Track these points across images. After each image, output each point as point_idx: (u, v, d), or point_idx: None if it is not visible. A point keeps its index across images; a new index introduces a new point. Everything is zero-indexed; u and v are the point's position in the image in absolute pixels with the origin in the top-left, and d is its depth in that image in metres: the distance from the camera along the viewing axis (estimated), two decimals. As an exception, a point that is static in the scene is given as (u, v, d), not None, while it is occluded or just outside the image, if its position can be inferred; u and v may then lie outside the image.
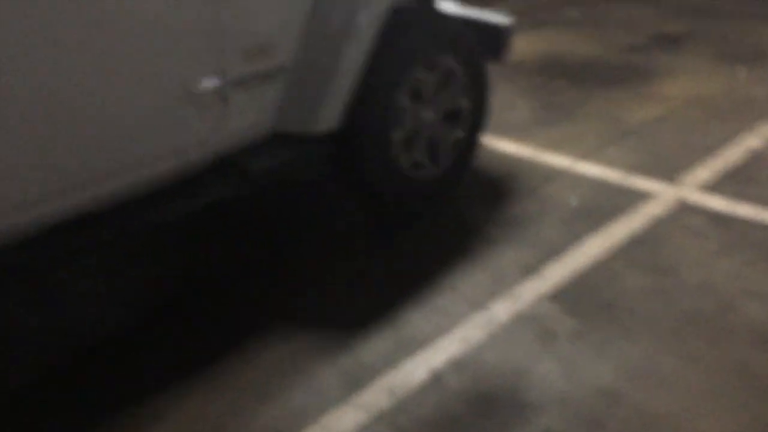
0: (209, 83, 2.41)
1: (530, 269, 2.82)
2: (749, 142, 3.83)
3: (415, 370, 2.35)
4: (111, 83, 2.13)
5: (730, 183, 3.41)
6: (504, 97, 4.46)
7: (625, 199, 3.31)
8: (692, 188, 3.37)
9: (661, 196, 3.33)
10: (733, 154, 3.71)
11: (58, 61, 2.00)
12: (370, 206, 3.19)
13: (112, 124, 2.17)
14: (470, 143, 3.35)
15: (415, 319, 2.58)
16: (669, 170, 3.55)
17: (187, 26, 2.30)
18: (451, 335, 2.50)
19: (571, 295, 2.67)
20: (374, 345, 2.46)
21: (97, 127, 2.14)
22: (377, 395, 2.25)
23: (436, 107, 3.13)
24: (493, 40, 3.37)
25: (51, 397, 2.27)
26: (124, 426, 2.16)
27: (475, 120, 3.32)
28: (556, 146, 3.85)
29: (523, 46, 5.35)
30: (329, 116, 2.71)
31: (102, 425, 2.16)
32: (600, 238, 3.01)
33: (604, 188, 3.43)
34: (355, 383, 2.30)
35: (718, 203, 3.24)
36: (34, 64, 1.95)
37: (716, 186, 3.38)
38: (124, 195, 2.30)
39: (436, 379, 2.31)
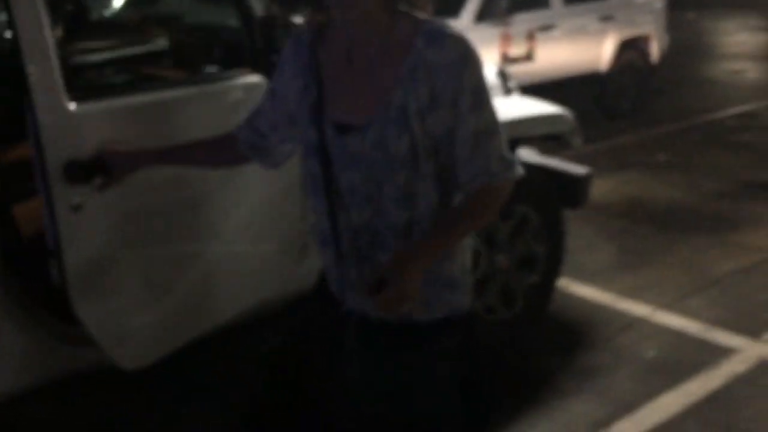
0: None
1: (600, 424, 2.76)
2: (841, 300, 3.70)
3: None
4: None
5: (818, 343, 3.29)
6: (584, 239, 4.47)
7: (704, 354, 3.23)
8: (777, 347, 3.27)
9: (743, 352, 3.23)
10: (822, 312, 3.58)
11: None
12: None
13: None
14: (545, 289, 3.37)
15: (478, 468, 2.55)
16: (753, 326, 3.45)
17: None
18: (513, 489, 2.46)
19: (641, 455, 2.59)
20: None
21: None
22: None
23: (511, 253, 3.19)
24: (571, 189, 3.44)
25: None
26: None
27: (550, 266, 3.35)
28: (635, 293, 3.81)
29: (608, 188, 5.38)
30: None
31: None
32: (675, 395, 2.93)
33: (684, 341, 3.36)
34: None
35: (804, 365, 3.12)
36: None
37: (803, 346, 3.27)
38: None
39: None
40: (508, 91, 3.31)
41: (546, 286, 3.37)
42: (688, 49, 11.79)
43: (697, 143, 6.85)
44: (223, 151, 1.79)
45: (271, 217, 2.55)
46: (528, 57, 6.72)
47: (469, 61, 1.46)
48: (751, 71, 10.69)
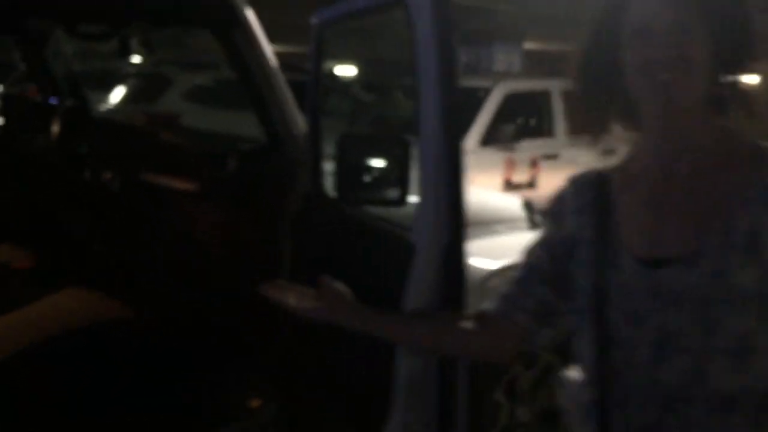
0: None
1: None
2: None
3: None
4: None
5: None
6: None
7: None
8: None
9: None
10: None
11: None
12: None
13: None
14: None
15: None
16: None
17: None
18: None
19: None
20: None
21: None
22: None
23: (533, 406, 2.86)
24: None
25: None
26: None
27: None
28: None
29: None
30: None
31: None
32: None
33: None
34: None
35: None
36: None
37: None
38: None
39: None
40: (534, 224, 3.05)
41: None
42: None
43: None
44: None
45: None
46: (530, 184, 6.56)
47: None
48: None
